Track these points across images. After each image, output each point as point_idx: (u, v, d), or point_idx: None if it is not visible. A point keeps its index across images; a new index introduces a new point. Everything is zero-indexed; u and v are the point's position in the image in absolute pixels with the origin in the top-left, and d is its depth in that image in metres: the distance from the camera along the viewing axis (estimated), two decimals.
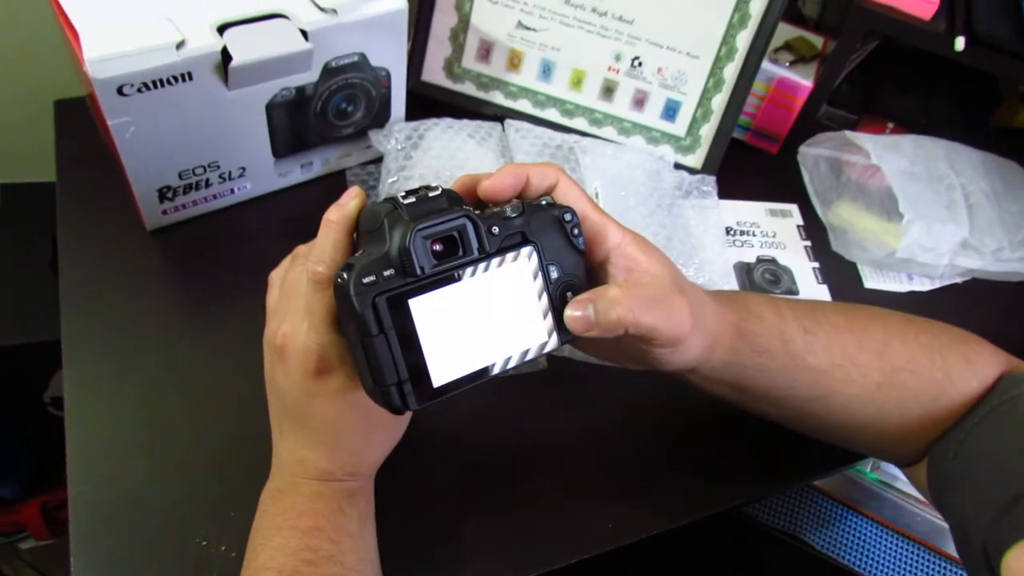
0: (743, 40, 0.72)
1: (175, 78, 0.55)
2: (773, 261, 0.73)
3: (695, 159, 0.78)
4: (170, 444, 0.54)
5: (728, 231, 0.74)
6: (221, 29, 0.56)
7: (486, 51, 0.77)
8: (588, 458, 0.57)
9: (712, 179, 0.76)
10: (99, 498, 0.51)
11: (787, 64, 0.79)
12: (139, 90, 0.54)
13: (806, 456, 0.58)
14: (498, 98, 0.79)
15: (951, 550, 0.75)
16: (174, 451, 0.54)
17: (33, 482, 1.11)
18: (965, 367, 0.49)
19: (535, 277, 0.41)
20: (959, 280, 0.74)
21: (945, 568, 0.75)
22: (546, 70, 0.77)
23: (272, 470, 0.46)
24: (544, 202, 0.42)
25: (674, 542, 0.56)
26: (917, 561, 0.73)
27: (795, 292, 0.71)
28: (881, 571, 0.72)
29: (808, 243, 0.75)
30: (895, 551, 0.73)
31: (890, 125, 0.86)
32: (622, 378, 0.56)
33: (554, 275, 0.42)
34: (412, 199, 0.39)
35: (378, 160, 0.74)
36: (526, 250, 0.41)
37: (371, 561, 0.44)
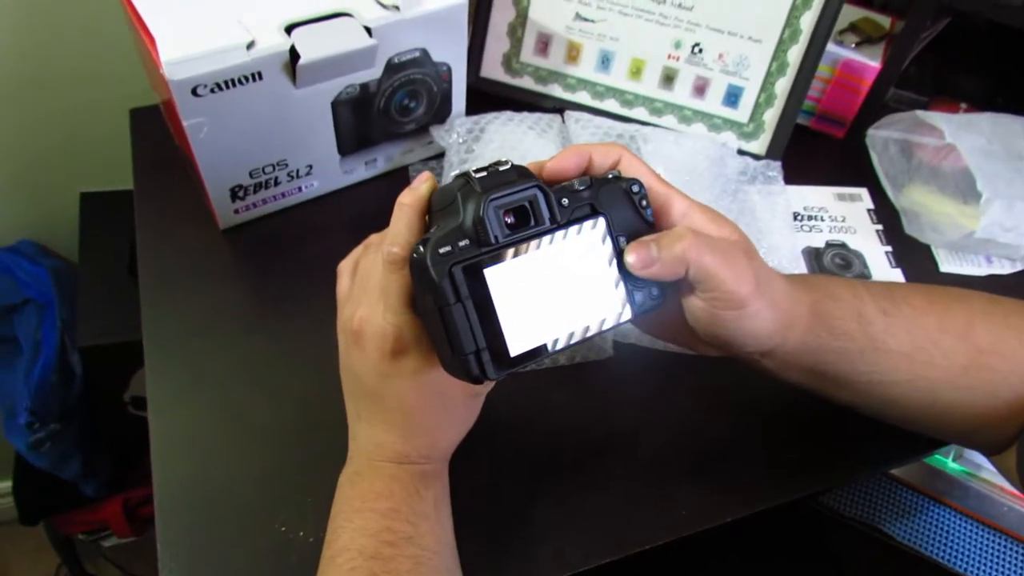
0: (807, 22, 0.70)
1: (246, 78, 0.57)
2: (843, 245, 0.71)
3: (759, 145, 0.76)
4: (248, 436, 0.56)
5: (796, 216, 0.72)
6: (288, 29, 0.58)
7: (544, 44, 0.77)
8: (658, 446, 0.56)
9: (777, 164, 0.74)
10: (181, 490, 0.53)
11: (853, 45, 0.77)
12: (212, 90, 0.56)
13: (883, 443, 0.56)
14: (557, 91, 0.79)
15: None
16: (252, 442, 0.55)
17: (114, 481, 1.15)
18: None
19: (605, 247, 0.41)
20: None
21: None
22: (604, 61, 0.77)
23: (349, 455, 0.47)
24: (612, 175, 0.42)
25: (750, 532, 0.55)
26: (1005, 553, 0.69)
27: (867, 276, 0.69)
28: (967, 564, 0.69)
29: (879, 227, 0.73)
30: (982, 543, 0.70)
31: (963, 105, 0.83)
32: (689, 365, 0.55)
33: (624, 246, 0.41)
34: (483, 173, 0.39)
35: (439, 156, 0.74)
36: (596, 221, 0.41)
37: (448, 544, 0.45)
